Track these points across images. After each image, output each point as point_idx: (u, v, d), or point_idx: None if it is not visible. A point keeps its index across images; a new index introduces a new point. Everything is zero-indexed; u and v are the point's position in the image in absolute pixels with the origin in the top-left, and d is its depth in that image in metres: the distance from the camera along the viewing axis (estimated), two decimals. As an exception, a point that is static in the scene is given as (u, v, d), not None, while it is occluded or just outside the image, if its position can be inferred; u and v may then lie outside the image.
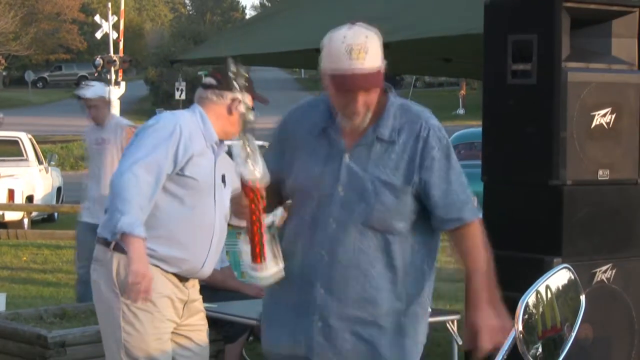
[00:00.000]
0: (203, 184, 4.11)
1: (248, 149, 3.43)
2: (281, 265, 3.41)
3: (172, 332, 4.17)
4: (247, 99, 4.22)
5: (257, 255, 3.46)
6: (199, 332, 4.25)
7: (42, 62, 67.06)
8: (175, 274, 4.11)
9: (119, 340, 4.08)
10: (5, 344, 6.04)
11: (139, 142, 4.04)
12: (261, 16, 10.32)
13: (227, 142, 4.33)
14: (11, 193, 16.25)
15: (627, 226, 5.17)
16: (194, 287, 4.24)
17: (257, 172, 3.32)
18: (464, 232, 3.44)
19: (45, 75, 68.90)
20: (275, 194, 3.41)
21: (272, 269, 3.38)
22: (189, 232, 4.09)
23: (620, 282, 5.07)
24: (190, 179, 4.08)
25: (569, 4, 4.95)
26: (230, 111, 4.23)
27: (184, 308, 4.17)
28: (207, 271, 4.22)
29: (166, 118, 4.15)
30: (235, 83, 4.00)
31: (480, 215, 3.66)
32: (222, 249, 4.39)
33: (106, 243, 4.10)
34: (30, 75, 61.01)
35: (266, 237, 3.42)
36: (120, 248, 4.03)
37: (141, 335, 4.06)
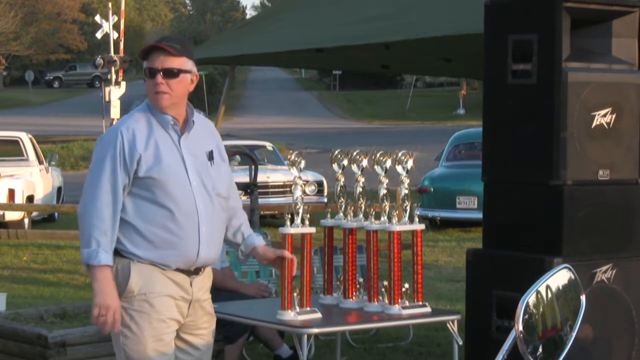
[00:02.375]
0: (165, 179, 4.00)
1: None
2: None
3: (179, 333, 4.13)
4: (154, 62, 4.05)
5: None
6: (203, 335, 4.20)
7: (42, 62, 67.14)
8: (177, 270, 4.07)
9: (119, 343, 4.07)
10: (6, 344, 6.04)
11: (92, 161, 4.08)
12: (261, 16, 10.31)
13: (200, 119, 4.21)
14: (11, 193, 16.24)
15: (627, 226, 5.18)
16: (201, 287, 4.16)
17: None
18: None
19: (60, 74, 69.24)
20: None
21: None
22: (170, 228, 4.01)
23: (620, 282, 5.07)
24: (148, 179, 3.99)
25: (569, 4, 4.95)
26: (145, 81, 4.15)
27: (189, 307, 4.13)
28: (205, 257, 4.09)
29: (112, 128, 4.13)
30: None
31: None
32: (222, 249, 4.36)
33: None
34: (30, 75, 61.13)
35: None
36: (118, 252, 4.02)
37: (138, 337, 4.02)
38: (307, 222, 5.06)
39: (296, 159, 5.16)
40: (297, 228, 5.01)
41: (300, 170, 5.15)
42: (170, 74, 4.06)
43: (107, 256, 3.94)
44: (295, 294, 5.04)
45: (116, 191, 3.98)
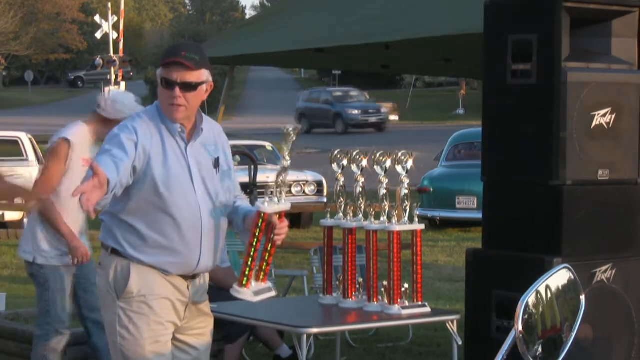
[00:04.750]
0: (173, 185, 3.98)
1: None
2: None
3: (174, 334, 4.13)
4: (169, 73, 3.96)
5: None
6: (199, 334, 4.21)
7: (42, 62, 67.15)
8: (177, 275, 4.07)
9: (116, 344, 4.06)
10: (5, 344, 6.05)
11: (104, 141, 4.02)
12: (261, 16, 10.31)
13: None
14: (11, 193, 16.21)
15: (627, 226, 5.18)
16: (198, 290, 4.16)
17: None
18: None
19: (82, 74, 69.26)
20: None
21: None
22: (173, 237, 4.00)
23: (620, 282, 5.07)
24: (157, 183, 3.95)
25: (569, 4, 4.95)
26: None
27: (185, 310, 4.14)
28: (204, 266, 4.10)
29: (122, 124, 4.06)
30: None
31: None
32: (223, 248, 4.35)
33: (106, 248, 4.08)
34: (30, 75, 61.15)
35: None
36: (117, 252, 4.02)
37: (136, 339, 4.01)
38: (283, 199, 4.63)
39: (290, 133, 4.76)
40: (274, 205, 4.62)
41: (291, 145, 4.79)
42: (189, 87, 3.98)
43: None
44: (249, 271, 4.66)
45: (122, 147, 3.86)
